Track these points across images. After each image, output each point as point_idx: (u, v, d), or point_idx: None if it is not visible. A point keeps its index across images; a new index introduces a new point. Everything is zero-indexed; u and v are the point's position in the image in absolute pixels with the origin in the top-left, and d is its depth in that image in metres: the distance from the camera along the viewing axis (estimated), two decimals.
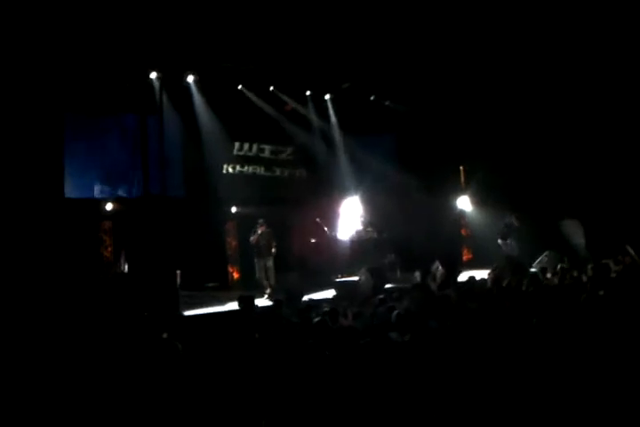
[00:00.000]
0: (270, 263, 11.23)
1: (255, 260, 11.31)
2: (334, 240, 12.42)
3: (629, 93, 12.47)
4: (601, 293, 6.74)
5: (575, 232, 13.20)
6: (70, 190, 10.79)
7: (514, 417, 3.67)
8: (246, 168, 13.65)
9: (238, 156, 13.56)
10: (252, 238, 11.28)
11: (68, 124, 10.92)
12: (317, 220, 12.23)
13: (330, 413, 3.92)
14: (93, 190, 11.11)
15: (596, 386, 4.06)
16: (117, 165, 11.68)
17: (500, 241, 12.71)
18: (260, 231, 11.24)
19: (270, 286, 11.01)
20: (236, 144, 13.51)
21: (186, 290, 11.02)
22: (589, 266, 8.59)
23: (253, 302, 7.75)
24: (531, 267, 10.62)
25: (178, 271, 10.49)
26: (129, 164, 11.66)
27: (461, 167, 15.49)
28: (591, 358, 4.54)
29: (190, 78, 12.26)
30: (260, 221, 11.39)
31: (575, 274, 8.51)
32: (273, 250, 11.30)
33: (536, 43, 12.22)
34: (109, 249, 10.46)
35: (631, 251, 9.60)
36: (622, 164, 12.92)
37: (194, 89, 12.41)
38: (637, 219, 12.29)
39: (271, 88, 13.28)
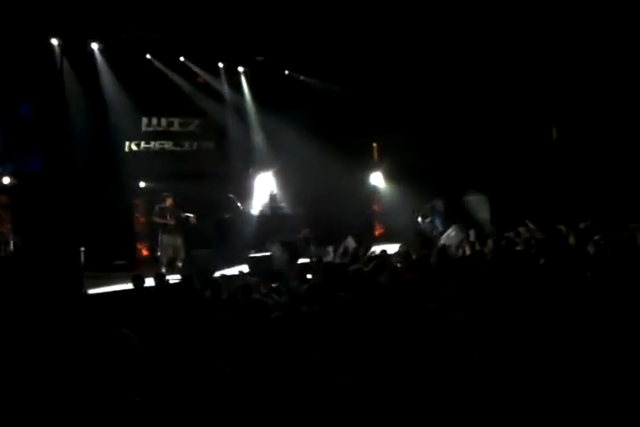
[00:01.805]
0: (180, 241, 10.94)
1: (161, 237, 10.93)
2: (248, 216, 12.30)
3: (527, 67, 12.93)
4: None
5: (481, 207, 13.71)
6: None
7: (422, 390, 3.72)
8: (153, 144, 13.16)
9: (147, 131, 13.04)
10: (156, 214, 10.89)
11: None
12: (230, 195, 12.05)
13: (240, 386, 3.86)
14: None
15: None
16: (16, 138, 10.98)
17: (419, 219, 13.03)
18: (167, 205, 10.89)
19: (179, 264, 10.76)
20: (144, 119, 12.97)
21: (92, 269, 10.63)
22: (490, 239, 8.94)
23: (161, 279, 7.58)
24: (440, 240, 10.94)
25: (82, 249, 10.05)
26: (29, 136, 10.99)
27: (374, 144, 15.69)
28: (494, 324, 4.70)
29: (95, 46, 11.64)
30: (165, 193, 11.02)
31: (478, 247, 8.83)
32: (192, 221, 10.96)
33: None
34: (8, 226, 9.86)
35: (531, 225, 10.06)
36: (526, 139, 13.48)
37: (98, 57, 11.80)
38: (540, 194, 12.93)
39: (182, 58, 12.85)
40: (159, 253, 11.00)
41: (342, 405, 3.59)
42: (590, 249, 7.62)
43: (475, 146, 13.87)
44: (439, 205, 13.14)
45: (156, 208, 11.01)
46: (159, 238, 10.98)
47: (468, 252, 8.80)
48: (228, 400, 3.53)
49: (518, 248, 8.58)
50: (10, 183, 10.15)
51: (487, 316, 4.91)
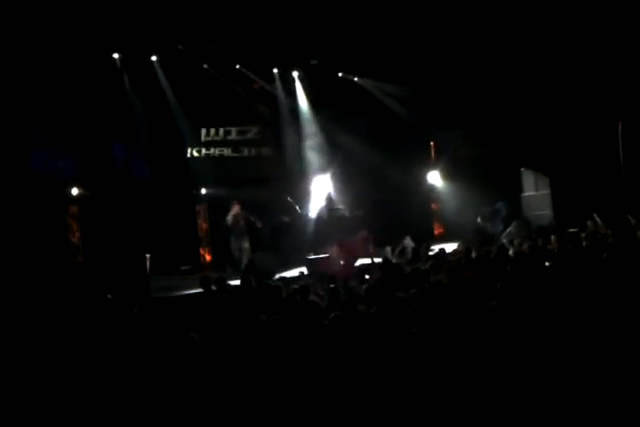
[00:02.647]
0: (247, 245, 11.18)
1: (231, 240, 11.19)
2: (305, 218, 12.41)
3: (598, 62, 12.54)
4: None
5: (543, 203, 13.39)
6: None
7: (483, 389, 3.68)
8: (212, 151, 13.49)
9: (206, 141, 13.40)
10: (228, 220, 11.14)
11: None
12: (288, 198, 12.19)
13: (299, 386, 3.93)
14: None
15: (564, 352, 4.10)
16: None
17: (479, 220, 12.84)
18: (234, 212, 11.13)
19: None
20: (203, 130, 13.33)
21: (158, 274, 10.98)
22: (554, 235, 8.72)
23: (221, 282, 7.75)
24: (500, 238, 10.74)
25: (148, 255, 10.39)
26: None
27: (431, 142, 15.55)
28: (556, 324, 4.60)
29: (154, 58, 12.05)
30: (234, 201, 11.28)
31: (540, 243, 8.63)
32: (259, 225, 11.28)
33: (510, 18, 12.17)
34: (77, 235, 10.30)
35: (598, 219, 9.75)
36: (591, 132, 13.06)
37: (158, 69, 12.21)
38: (604, 189, 12.50)
39: (237, 66, 13.11)
40: (235, 256, 11.23)
41: (401, 402, 3.61)
42: None
43: (536, 140, 13.54)
44: (502, 208, 12.91)
45: (228, 215, 11.25)
46: (230, 242, 11.19)
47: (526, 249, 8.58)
48: (285, 400, 3.60)
49: (584, 244, 8.33)
50: (78, 194, 10.59)
51: (549, 313, 4.81)
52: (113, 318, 6.57)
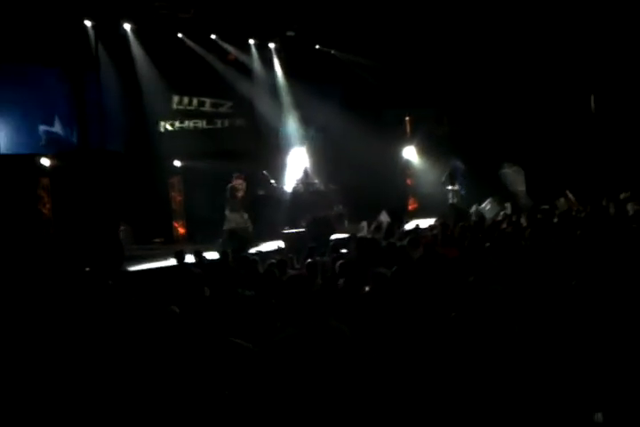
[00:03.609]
0: (246, 216, 10.93)
1: (228, 213, 10.87)
2: (281, 192, 12.35)
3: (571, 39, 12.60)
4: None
5: (517, 179, 13.54)
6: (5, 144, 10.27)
7: (463, 366, 3.72)
8: (187, 123, 13.24)
9: (178, 110, 13.11)
10: (239, 194, 10.90)
11: None
12: (264, 172, 12.10)
13: (278, 362, 3.93)
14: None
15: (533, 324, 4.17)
16: (54, 119, 11.16)
17: (448, 187, 12.94)
18: (235, 184, 10.87)
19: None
20: (175, 98, 13.02)
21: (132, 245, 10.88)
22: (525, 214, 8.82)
23: (199, 256, 7.71)
24: (473, 213, 10.84)
25: (122, 227, 10.26)
26: (66, 118, 11.16)
27: (407, 117, 15.53)
28: (532, 299, 4.67)
29: (127, 26, 11.72)
30: (237, 173, 11.06)
31: (514, 219, 8.74)
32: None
33: None
34: (47, 206, 10.10)
35: (571, 196, 9.90)
36: (564, 109, 13.17)
37: (131, 38, 11.87)
38: (578, 165, 12.68)
39: (213, 36, 12.84)
40: (224, 228, 11.01)
41: (381, 378, 3.64)
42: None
43: (510, 116, 13.64)
44: (459, 165, 13.02)
45: (228, 187, 10.97)
46: (226, 214, 10.92)
47: (504, 225, 8.69)
48: (263, 379, 3.58)
49: (555, 220, 8.45)
50: (50, 165, 10.36)
51: (525, 290, 4.88)
52: (88, 290, 6.50)
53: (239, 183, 11.00)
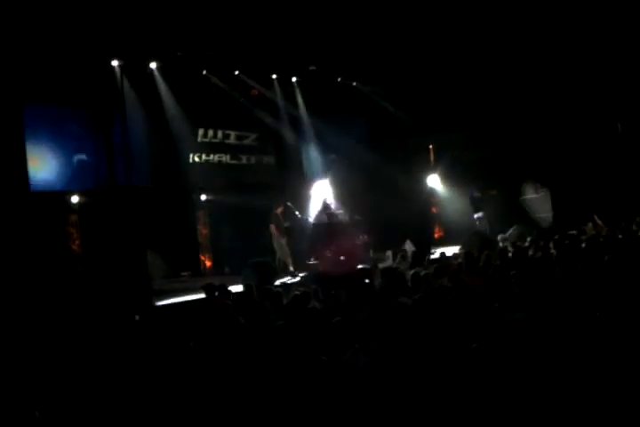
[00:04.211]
0: (284, 242, 11.43)
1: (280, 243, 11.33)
2: (305, 224, 12.40)
3: (602, 66, 12.57)
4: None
5: (542, 206, 13.40)
6: (35, 183, 10.52)
7: (485, 394, 3.67)
8: (212, 157, 13.39)
9: (203, 143, 13.28)
10: (287, 224, 11.44)
11: (28, 114, 10.57)
12: (288, 204, 12.19)
13: (305, 391, 3.92)
14: (57, 183, 10.82)
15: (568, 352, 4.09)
16: (83, 156, 11.43)
17: (475, 215, 12.88)
18: (277, 212, 11.41)
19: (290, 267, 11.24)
20: (200, 131, 13.21)
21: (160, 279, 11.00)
22: (555, 237, 8.70)
23: (224, 289, 7.74)
24: (500, 241, 10.73)
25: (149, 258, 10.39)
26: (94, 155, 11.43)
27: (430, 146, 15.56)
28: (560, 327, 4.59)
29: (153, 65, 12.04)
30: (279, 202, 11.55)
31: (542, 244, 8.62)
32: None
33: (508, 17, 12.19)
34: (77, 242, 10.29)
35: (598, 221, 9.74)
36: (590, 134, 13.07)
37: (157, 76, 12.18)
38: (605, 190, 12.51)
39: (236, 72, 13.13)
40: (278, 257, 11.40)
41: (403, 407, 3.59)
42: None
43: (535, 141, 13.56)
44: (475, 193, 12.99)
45: (273, 214, 11.47)
46: (274, 243, 11.36)
47: (531, 252, 8.58)
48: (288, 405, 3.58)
49: (583, 246, 8.31)
50: (78, 202, 10.58)
51: (551, 317, 4.80)
52: (115, 326, 6.57)
53: (281, 211, 11.46)
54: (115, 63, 11.16)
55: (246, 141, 13.95)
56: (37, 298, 8.41)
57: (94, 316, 7.37)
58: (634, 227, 9.20)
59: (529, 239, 9.94)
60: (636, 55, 12.28)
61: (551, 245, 8.66)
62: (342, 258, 9.97)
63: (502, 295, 5.64)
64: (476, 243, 9.45)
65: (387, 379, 3.84)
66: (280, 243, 11.30)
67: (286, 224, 12.28)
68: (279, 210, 11.47)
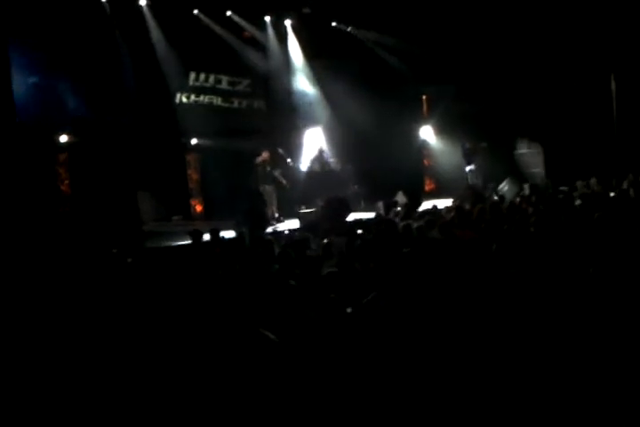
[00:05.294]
0: (269, 188, 11.28)
1: (267, 186, 11.23)
2: (297, 171, 12.33)
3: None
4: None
5: (535, 160, 13.42)
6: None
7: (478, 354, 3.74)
8: (202, 98, 13.15)
9: (194, 86, 13.02)
10: (268, 168, 11.31)
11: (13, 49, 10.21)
12: (280, 150, 12.07)
13: (301, 338, 3.95)
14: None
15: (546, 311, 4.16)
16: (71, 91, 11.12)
17: (467, 168, 12.90)
18: (262, 159, 11.21)
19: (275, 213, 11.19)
20: (192, 74, 12.92)
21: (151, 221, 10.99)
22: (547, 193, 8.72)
23: (215, 234, 7.75)
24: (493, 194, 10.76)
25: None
26: (81, 90, 11.12)
27: (423, 96, 15.35)
28: (551, 284, 4.66)
29: (143, 1, 11.64)
30: (263, 148, 11.31)
31: (533, 200, 8.65)
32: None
33: None
34: (66, 182, 10.17)
35: (593, 181, 9.77)
36: (583, 89, 12.95)
37: (147, 13, 11.79)
38: (597, 146, 12.51)
39: (228, 13, 12.71)
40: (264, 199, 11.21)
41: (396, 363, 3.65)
42: None
43: (529, 96, 13.42)
44: (466, 145, 13.02)
45: (258, 161, 11.25)
46: (261, 189, 11.21)
47: (523, 206, 8.61)
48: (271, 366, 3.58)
49: (576, 203, 8.35)
50: (67, 141, 10.40)
51: (541, 273, 4.86)
52: (108, 267, 6.58)
53: (267, 156, 11.22)
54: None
55: (239, 87, 13.67)
56: (27, 240, 8.37)
57: (86, 257, 7.36)
58: (625, 185, 9.25)
59: (521, 194, 9.98)
60: (630, 8, 12.05)
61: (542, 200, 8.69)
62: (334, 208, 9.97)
63: (494, 250, 5.69)
64: (470, 196, 9.45)
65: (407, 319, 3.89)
66: (264, 189, 11.17)
67: (276, 171, 12.19)
68: (263, 157, 11.24)
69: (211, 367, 3.61)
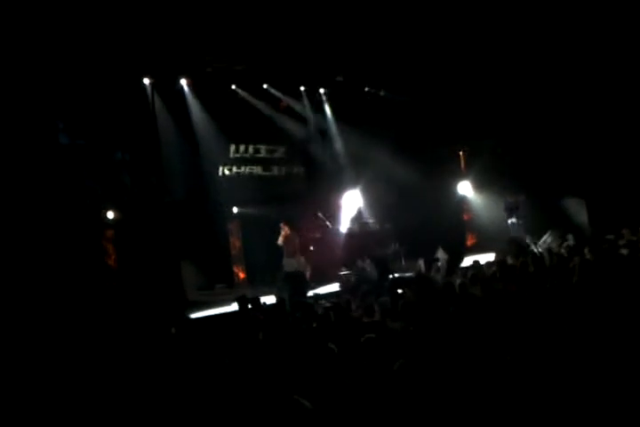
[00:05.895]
0: (302, 259, 11.45)
1: (284, 259, 11.41)
2: (337, 234, 12.40)
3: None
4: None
5: (578, 211, 13.18)
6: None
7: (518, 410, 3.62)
8: (243, 169, 13.54)
9: (235, 158, 13.45)
10: (280, 241, 11.48)
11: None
12: (318, 214, 12.22)
13: (337, 405, 3.91)
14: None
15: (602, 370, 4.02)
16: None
17: (509, 221, 12.77)
18: (284, 233, 11.42)
19: None
20: (232, 146, 13.36)
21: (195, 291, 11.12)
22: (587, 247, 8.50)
23: (256, 302, 7.78)
24: (535, 247, 10.56)
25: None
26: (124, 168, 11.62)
27: (461, 152, 15.45)
28: (596, 335, 4.51)
29: (183, 82, 12.23)
30: (283, 222, 11.53)
31: (578, 249, 8.44)
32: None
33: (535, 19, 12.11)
34: (113, 257, 10.48)
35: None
36: (623, 139, 12.82)
37: (187, 92, 12.38)
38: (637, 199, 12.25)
39: (265, 86, 13.25)
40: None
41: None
42: None
43: (569, 147, 13.34)
44: (512, 200, 12.91)
45: (280, 237, 11.54)
46: (283, 261, 11.46)
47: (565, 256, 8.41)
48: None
49: (623, 252, 8.12)
50: (114, 218, 10.77)
51: (591, 328, 4.72)
52: (152, 338, 6.66)
53: (285, 230, 11.43)
54: (146, 81, 11.38)
55: (277, 154, 14.05)
56: (76, 312, 8.58)
57: (132, 329, 7.47)
58: None
59: (565, 245, 9.76)
60: None
61: (586, 250, 8.48)
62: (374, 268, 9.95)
63: (538, 303, 5.56)
64: (513, 249, 9.30)
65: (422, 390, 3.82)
66: (298, 260, 11.33)
67: (317, 235, 12.31)
68: (285, 230, 11.46)
69: None
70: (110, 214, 10.75)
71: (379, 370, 4.29)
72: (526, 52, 12.76)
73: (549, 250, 9.71)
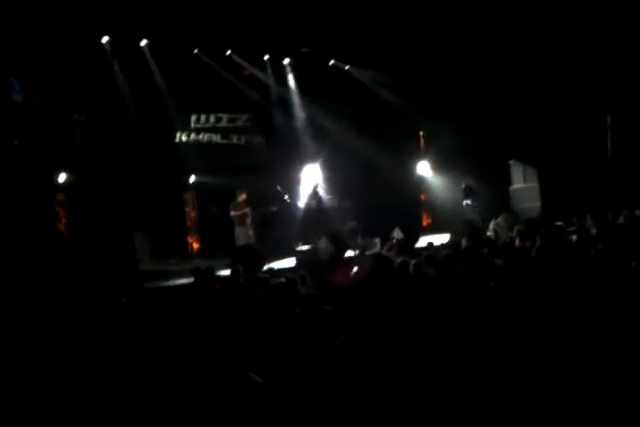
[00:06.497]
0: (251, 232, 11.37)
1: (236, 229, 11.28)
2: (295, 208, 12.36)
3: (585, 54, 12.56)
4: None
5: (530, 196, 13.49)
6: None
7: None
8: (201, 136, 13.34)
9: (196, 128, 13.23)
10: (232, 208, 11.39)
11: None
12: (278, 187, 12.14)
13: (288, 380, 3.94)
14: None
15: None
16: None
17: (464, 202, 12.97)
18: (240, 200, 11.37)
19: None
20: (194, 116, 13.15)
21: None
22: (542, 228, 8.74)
23: (211, 273, 7.74)
24: (487, 230, 10.77)
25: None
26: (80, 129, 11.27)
27: (420, 132, 15.52)
28: (545, 319, 4.65)
29: (144, 43, 11.87)
30: (241, 190, 11.45)
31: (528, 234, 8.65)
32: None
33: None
34: (63, 222, 10.22)
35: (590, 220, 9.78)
36: (579, 126, 13.09)
37: (148, 54, 12.04)
38: (592, 182, 12.58)
39: (228, 52, 12.98)
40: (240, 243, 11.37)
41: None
42: None
43: (525, 133, 13.56)
44: (471, 183, 13.04)
45: (232, 203, 11.39)
46: (234, 230, 11.30)
47: (517, 242, 8.62)
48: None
49: (572, 238, 8.35)
50: (66, 180, 10.48)
51: (540, 309, 4.85)
52: (102, 308, 6.55)
53: (242, 199, 11.29)
54: (106, 40, 10.98)
55: (238, 123, 13.87)
56: (21, 279, 8.36)
57: (81, 297, 7.34)
58: (620, 220, 9.25)
59: (516, 228, 9.97)
60: (628, 48, 12.28)
61: (537, 235, 8.69)
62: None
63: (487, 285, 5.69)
64: (467, 232, 9.47)
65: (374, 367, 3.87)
66: (245, 231, 11.22)
67: (274, 209, 12.25)
68: (241, 197, 11.34)
69: (197, 410, 3.59)
70: (62, 177, 10.44)
71: (323, 345, 4.34)
72: (485, 31, 12.79)
73: (496, 231, 9.95)
